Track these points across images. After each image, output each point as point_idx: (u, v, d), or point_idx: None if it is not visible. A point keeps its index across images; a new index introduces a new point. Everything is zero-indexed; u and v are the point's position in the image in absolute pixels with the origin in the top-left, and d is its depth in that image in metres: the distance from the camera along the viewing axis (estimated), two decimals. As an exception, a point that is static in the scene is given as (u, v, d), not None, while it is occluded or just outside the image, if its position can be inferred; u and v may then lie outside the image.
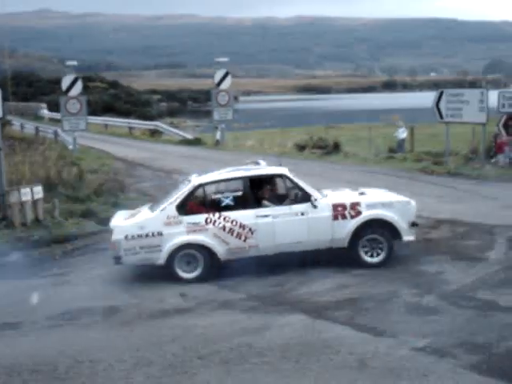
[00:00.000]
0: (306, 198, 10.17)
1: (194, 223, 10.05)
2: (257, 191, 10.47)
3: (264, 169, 10.99)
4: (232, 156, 26.61)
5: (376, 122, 38.56)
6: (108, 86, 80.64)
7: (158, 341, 7.61)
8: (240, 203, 10.23)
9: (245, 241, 10.06)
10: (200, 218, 10.08)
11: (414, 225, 10.35)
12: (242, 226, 10.03)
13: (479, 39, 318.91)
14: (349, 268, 10.09)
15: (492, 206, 14.49)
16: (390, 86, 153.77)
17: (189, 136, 36.48)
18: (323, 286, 9.31)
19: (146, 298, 9.34)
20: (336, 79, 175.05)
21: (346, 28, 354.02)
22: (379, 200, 10.47)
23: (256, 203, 10.27)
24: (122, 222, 10.38)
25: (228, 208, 10.19)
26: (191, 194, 10.28)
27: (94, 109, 48.11)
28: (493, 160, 20.81)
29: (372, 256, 10.21)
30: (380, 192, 11.31)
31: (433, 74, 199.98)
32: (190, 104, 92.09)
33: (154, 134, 39.33)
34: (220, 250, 10.08)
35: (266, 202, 10.33)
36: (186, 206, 10.18)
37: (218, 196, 10.38)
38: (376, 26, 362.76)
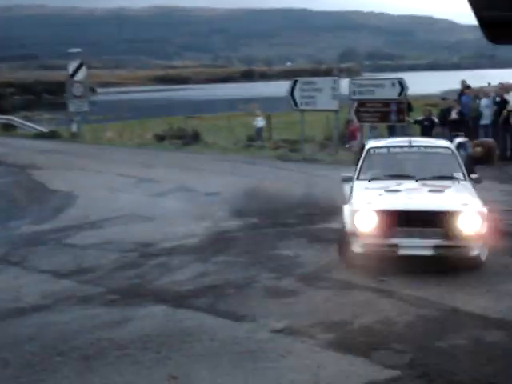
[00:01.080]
0: None
1: None
2: None
3: None
4: (89, 148, 26.16)
5: (235, 112, 38.95)
6: (-44, 79, 76.60)
7: (14, 341, 7.35)
8: None
9: None
10: None
11: None
12: None
13: (332, 29, 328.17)
14: (209, 256, 10.19)
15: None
16: (248, 76, 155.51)
17: (44, 129, 35.41)
18: (184, 275, 9.31)
19: (1, 297, 8.99)
20: (195, 69, 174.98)
21: (203, 19, 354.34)
22: None
23: None
24: None
25: None
26: None
27: None
28: (346, 146, 21.59)
29: None
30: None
31: (288, 64, 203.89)
32: (45, 96, 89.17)
33: (8, 128, 37.87)
34: None
35: None
36: None
37: None
38: (232, 17, 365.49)
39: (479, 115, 18.49)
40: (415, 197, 8.93)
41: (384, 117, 19.83)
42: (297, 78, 22.21)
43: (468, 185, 9.59)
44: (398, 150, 10.32)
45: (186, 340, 6.97)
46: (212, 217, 12.91)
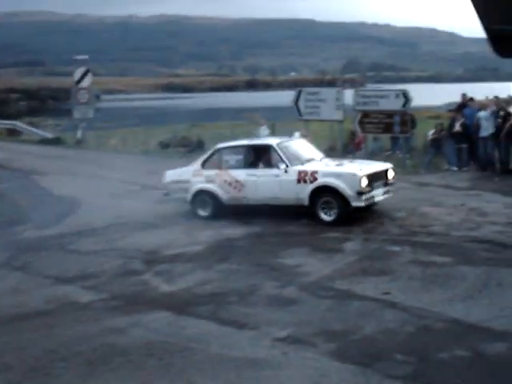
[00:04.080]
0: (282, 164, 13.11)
1: (208, 175, 13.63)
2: (253, 157, 13.57)
3: (260, 140, 15.51)
4: (93, 155, 26.21)
5: (239, 121, 38.96)
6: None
7: (18, 345, 7.39)
8: (240, 165, 13.51)
9: (238, 192, 13.33)
10: (213, 172, 13.63)
11: (361, 193, 12.26)
12: (237, 181, 13.30)
13: (336, 40, 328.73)
14: (211, 264, 10.21)
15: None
16: (252, 85, 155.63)
17: (48, 135, 35.52)
18: (186, 282, 9.35)
19: (5, 302, 9.02)
20: (199, 78, 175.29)
21: (209, 28, 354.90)
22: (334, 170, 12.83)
23: (252, 165, 13.44)
24: (170, 172, 14.47)
25: (232, 167, 13.56)
26: (211, 155, 13.96)
27: None
28: (350, 156, 21.59)
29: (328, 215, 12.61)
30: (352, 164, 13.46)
31: (293, 74, 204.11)
32: (50, 102, 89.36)
33: (13, 133, 37.98)
34: (223, 196, 13.48)
35: (260, 165, 13.37)
36: (207, 164, 13.85)
37: (228, 158, 13.74)
38: (237, 26, 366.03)
39: (478, 127, 18.40)
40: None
41: (387, 128, 19.83)
42: (301, 88, 22.24)
43: None
44: None
45: (188, 347, 7.00)
46: (215, 224, 12.95)
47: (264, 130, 26.99)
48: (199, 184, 13.72)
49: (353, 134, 21.75)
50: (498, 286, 8.64)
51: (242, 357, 6.70)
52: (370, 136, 21.45)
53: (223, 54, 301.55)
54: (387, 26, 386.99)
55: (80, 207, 15.53)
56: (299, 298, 8.46)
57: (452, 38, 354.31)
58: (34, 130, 38.57)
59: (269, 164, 13.29)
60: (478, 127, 18.29)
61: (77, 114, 31.17)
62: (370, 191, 12.47)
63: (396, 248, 10.71)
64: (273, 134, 26.45)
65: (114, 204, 15.60)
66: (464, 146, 18.64)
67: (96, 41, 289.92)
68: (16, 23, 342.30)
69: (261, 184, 13.12)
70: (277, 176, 12.99)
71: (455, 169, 18.69)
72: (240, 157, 13.65)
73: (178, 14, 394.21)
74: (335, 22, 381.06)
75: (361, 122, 20.32)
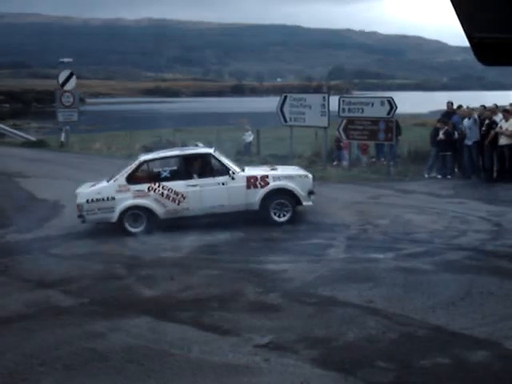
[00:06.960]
0: (226, 171, 12.98)
1: (137, 190, 12.78)
2: (189, 166, 13.18)
3: (195, 149, 13.96)
4: (77, 158, 26.08)
5: (225, 126, 38.93)
6: None
7: (-3, 349, 7.32)
8: (175, 176, 13.05)
9: (178, 204, 12.79)
10: (144, 186, 12.83)
11: (311, 193, 13.19)
12: (176, 193, 12.76)
13: (322, 46, 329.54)
14: (194, 269, 10.16)
15: (332, 206, 15.02)
16: (238, 91, 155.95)
17: (32, 138, 35.28)
18: (169, 287, 9.30)
19: (-15, 305, 8.94)
20: (185, 82, 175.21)
21: (196, 32, 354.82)
22: (283, 173, 13.44)
23: (187, 176, 13.01)
24: (85, 190, 13.07)
25: (166, 179, 12.98)
26: (137, 168, 13.11)
27: None
28: (334, 163, 21.63)
29: (279, 216, 13.12)
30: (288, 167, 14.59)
31: (279, 80, 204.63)
32: (35, 105, 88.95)
33: (-4, 136, 37.68)
34: (159, 211, 12.80)
35: (194, 175, 13.01)
36: (133, 178, 12.95)
37: (158, 170, 13.37)
38: (224, 31, 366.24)
39: (464, 136, 18.46)
40: None
41: (372, 135, 19.85)
42: (286, 94, 22.23)
43: None
44: None
45: (168, 353, 6.95)
46: (197, 229, 12.87)
47: (249, 135, 27.04)
48: (128, 200, 12.80)
49: (338, 140, 21.75)
50: (480, 294, 8.65)
51: (223, 363, 6.65)
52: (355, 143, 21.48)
53: (210, 59, 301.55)
54: (374, 34, 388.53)
55: (63, 211, 15.42)
56: (282, 304, 8.41)
57: (438, 46, 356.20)
58: (18, 132, 38.27)
59: (207, 173, 13.14)
60: (463, 135, 18.36)
61: (61, 117, 30.98)
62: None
63: (379, 255, 10.70)
64: (257, 139, 26.55)
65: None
66: (448, 153, 18.69)
67: (82, 43, 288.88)
68: (2, 25, 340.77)
69: (206, 194, 12.86)
70: (223, 184, 12.91)
71: (439, 176, 18.74)
72: (173, 168, 13.41)
73: (165, 18, 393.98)
74: (322, 29, 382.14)
75: (345, 129, 20.33)
